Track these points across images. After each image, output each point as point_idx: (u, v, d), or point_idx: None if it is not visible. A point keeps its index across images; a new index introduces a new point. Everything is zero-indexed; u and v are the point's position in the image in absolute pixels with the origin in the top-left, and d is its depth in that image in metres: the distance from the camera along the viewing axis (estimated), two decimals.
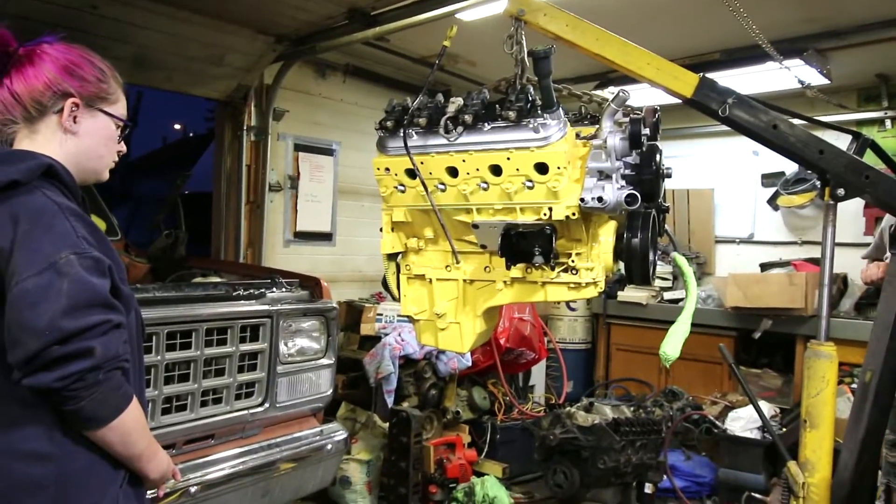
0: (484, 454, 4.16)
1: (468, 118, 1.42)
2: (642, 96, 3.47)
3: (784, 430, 3.89)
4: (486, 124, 1.42)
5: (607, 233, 1.47)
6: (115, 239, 3.38)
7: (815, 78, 4.26)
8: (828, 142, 1.80)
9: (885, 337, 1.90)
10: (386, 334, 3.93)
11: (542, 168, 1.38)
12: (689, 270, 1.59)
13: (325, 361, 2.81)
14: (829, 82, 4.38)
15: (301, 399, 2.70)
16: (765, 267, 5.15)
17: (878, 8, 3.50)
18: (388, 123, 1.51)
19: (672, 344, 1.50)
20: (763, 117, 1.74)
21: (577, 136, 1.48)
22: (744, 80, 4.47)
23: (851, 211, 4.50)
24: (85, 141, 1.35)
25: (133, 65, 3.69)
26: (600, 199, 1.37)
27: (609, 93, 1.47)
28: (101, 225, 3.16)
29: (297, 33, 4.13)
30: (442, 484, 3.83)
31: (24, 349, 1.12)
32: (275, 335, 2.57)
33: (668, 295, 5.46)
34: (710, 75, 4.83)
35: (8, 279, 1.15)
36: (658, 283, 5.46)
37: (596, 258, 1.46)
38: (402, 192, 1.54)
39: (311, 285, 2.85)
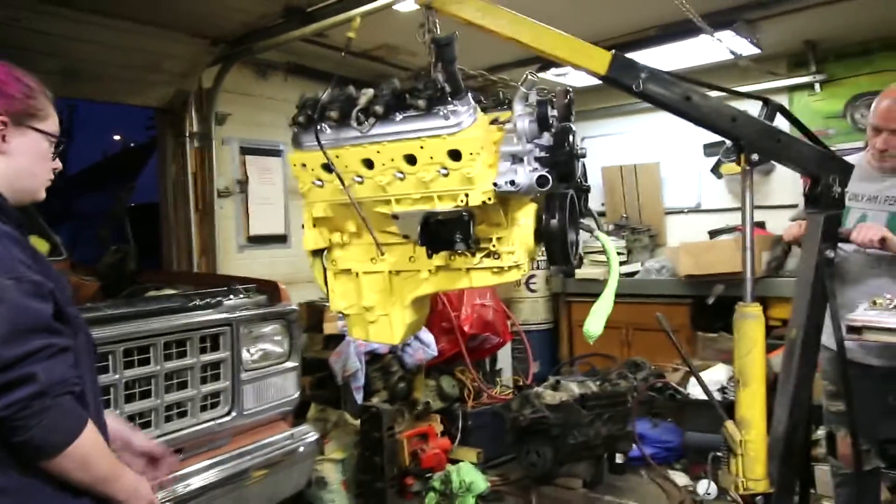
0: (457, 441, 4.20)
1: (379, 109, 1.41)
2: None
3: None
4: (397, 114, 1.41)
5: (526, 215, 1.48)
6: (60, 259, 3.27)
7: (745, 48, 4.40)
8: (740, 109, 1.85)
9: (805, 294, 1.96)
10: None
11: (455, 155, 1.39)
12: (612, 248, 1.62)
13: (289, 364, 2.79)
14: (759, 51, 4.52)
15: (268, 404, 2.68)
16: (713, 234, 5.31)
17: None
18: (301, 119, 1.49)
19: (595, 321, 1.52)
20: (676, 90, 1.77)
21: (496, 121, 1.49)
22: (680, 54, 4.59)
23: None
24: (16, 160, 1.31)
25: (64, 78, 3.56)
26: (512, 183, 1.38)
27: (530, 76, 1.48)
28: (42, 247, 3.06)
29: (233, 34, 4.05)
30: (418, 475, 3.85)
31: None
32: (236, 343, 2.53)
33: (623, 269, 5.58)
34: (647, 51, 4.91)
35: None
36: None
37: (517, 242, 1.47)
38: (321, 186, 1.53)
39: (270, 289, 2.82)
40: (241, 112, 4.53)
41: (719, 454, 2.09)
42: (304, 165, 1.52)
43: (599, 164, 6.09)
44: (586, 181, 1.63)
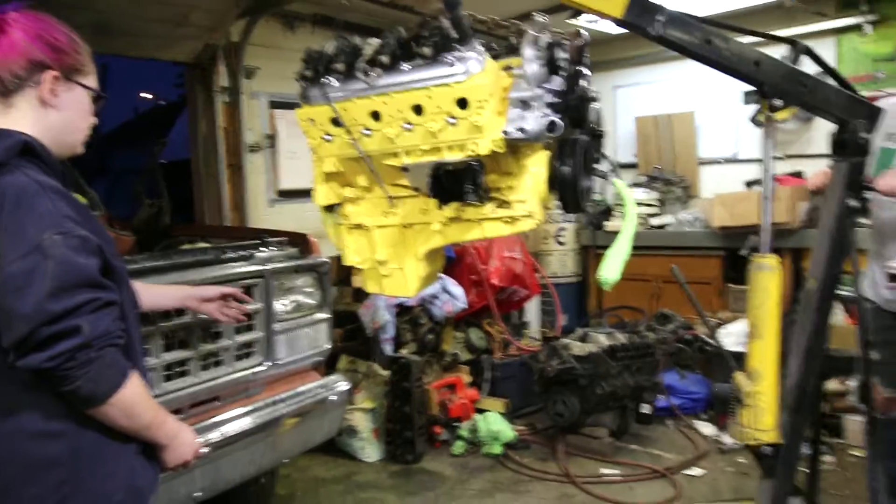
0: (485, 392, 4.27)
1: (385, 59, 1.38)
2: None
3: None
4: (404, 64, 1.38)
5: (538, 163, 1.43)
6: (97, 214, 3.35)
7: None
8: (763, 53, 1.77)
9: (826, 244, 1.92)
10: None
11: (463, 103, 1.35)
12: (628, 195, 1.58)
13: (320, 316, 2.84)
14: None
15: (301, 355, 2.74)
16: (750, 185, 5.19)
17: None
18: (308, 73, 1.47)
19: (610, 266, 1.48)
20: (696, 33, 1.69)
21: (509, 68, 1.44)
22: None
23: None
24: (64, 114, 1.33)
25: (94, 33, 3.57)
26: (522, 130, 1.34)
27: (540, 18, 1.43)
28: (81, 201, 3.13)
29: None
30: (446, 424, 3.95)
31: (15, 333, 1.13)
32: (269, 294, 2.58)
33: (654, 221, 5.51)
34: None
35: None
36: (645, 209, 5.51)
37: (528, 190, 1.43)
38: (330, 141, 1.51)
39: (300, 242, 2.85)
40: (269, 66, 4.51)
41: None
42: (312, 121, 1.51)
43: (632, 115, 5.95)
44: (600, 126, 1.57)
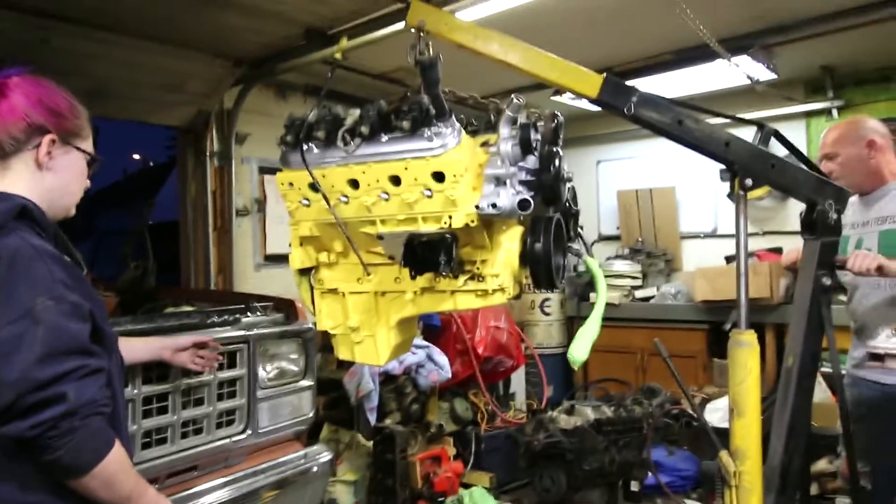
0: (470, 465, 4.15)
1: (365, 129, 1.42)
2: None
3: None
4: (383, 135, 1.42)
5: (511, 238, 1.47)
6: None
7: (762, 73, 4.41)
8: (733, 134, 1.84)
9: (802, 321, 1.93)
10: None
11: (439, 177, 1.39)
12: (599, 274, 1.61)
13: (304, 383, 2.78)
14: (776, 76, 4.53)
15: (283, 423, 2.66)
16: (730, 259, 5.27)
17: (820, 3, 3.64)
18: (289, 138, 1.50)
19: (580, 346, 1.50)
20: (668, 114, 1.76)
21: (487, 143, 1.49)
22: (696, 80, 4.62)
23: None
24: (60, 178, 1.33)
25: (89, 97, 3.57)
26: (494, 206, 1.37)
27: (516, 99, 1.49)
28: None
29: (255, 56, 4.13)
30: (431, 498, 3.81)
31: (0, 400, 1.10)
32: (252, 360, 2.54)
33: (639, 293, 5.55)
34: (663, 76, 4.90)
35: None
36: (629, 281, 5.56)
37: (501, 265, 1.46)
38: (308, 206, 1.54)
39: (286, 307, 2.82)
40: (260, 132, 4.59)
41: None
42: (291, 185, 1.53)
43: (615, 188, 6.09)
44: (576, 205, 1.63)
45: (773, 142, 1.98)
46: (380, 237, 1.48)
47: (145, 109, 4.16)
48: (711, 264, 5.25)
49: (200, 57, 3.94)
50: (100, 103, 3.76)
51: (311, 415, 2.81)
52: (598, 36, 3.87)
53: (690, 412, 4.33)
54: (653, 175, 5.90)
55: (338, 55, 1.63)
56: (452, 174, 1.38)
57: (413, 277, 1.45)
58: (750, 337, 1.85)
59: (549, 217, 1.44)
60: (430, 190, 1.40)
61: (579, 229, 1.64)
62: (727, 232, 5.55)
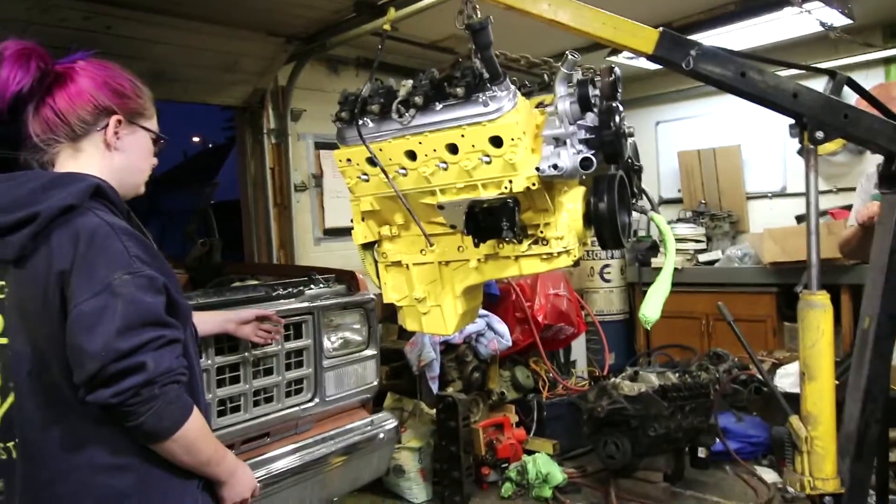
0: (532, 432, 4.17)
1: (419, 99, 1.40)
2: None
3: (837, 382, 3.82)
4: (437, 104, 1.40)
5: (574, 199, 1.44)
6: None
7: (836, 19, 4.14)
8: (802, 84, 1.73)
9: (880, 280, 1.83)
10: None
11: (496, 141, 1.36)
12: (667, 230, 1.55)
13: (368, 352, 2.84)
14: (851, 21, 4.25)
15: (349, 391, 2.73)
16: (800, 219, 5.05)
17: None
18: (344, 114, 1.50)
19: (652, 305, 1.45)
20: (729, 66, 1.67)
21: (542, 104, 1.45)
22: (762, 31, 4.37)
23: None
24: (128, 157, 1.37)
25: (151, 80, 3.69)
26: (555, 167, 1.35)
27: (570, 55, 1.43)
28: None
29: (306, 31, 4.14)
30: (494, 465, 3.85)
31: (85, 370, 1.16)
32: (317, 331, 2.60)
33: (702, 257, 5.39)
34: (728, 27, 4.65)
35: (69, 301, 1.19)
36: (692, 245, 5.40)
37: (565, 226, 1.43)
38: (367, 181, 1.54)
39: (348, 279, 2.87)
40: (314, 108, 4.63)
41: None
42: (349, 161, 1.53)
43: (675, 149, 5.89)
44: (638, 161, 1.58)
45: (848, 91, 1.86)
46: (440, 207, 1.47)
47: (204, 90, 4.26)
48: (780, 224, 5.04)
49: (253, 36, 3.99)
50: (161, 87, 3.86)
51: (375, 383, 2.87)
52: None
53: (759, 377, 4.21)
54: (716, 134, 5.67)
55: (386, 27, 1.61)
56: (510, 138, 1.36)
57: (476, 245, 1.44)
58: (822, 298, 1.78)
59: (612, 175, 1.41)
60: (488, 156, 1.38)
61: (643, 186, 1.59)
62: (797, 190, 5.30)
